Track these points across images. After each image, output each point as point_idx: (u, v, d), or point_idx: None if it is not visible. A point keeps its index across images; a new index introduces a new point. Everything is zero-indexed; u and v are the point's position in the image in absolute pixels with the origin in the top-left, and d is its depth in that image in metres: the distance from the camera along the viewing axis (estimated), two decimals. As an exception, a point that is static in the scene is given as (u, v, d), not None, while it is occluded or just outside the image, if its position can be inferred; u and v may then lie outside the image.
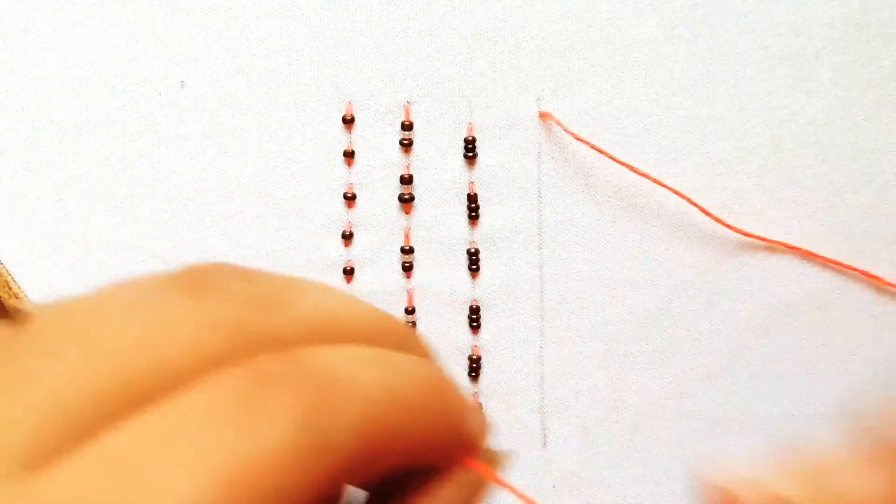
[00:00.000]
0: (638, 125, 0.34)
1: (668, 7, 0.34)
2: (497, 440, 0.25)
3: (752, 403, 0.35)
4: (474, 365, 0.35)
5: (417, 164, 0.35)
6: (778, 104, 0.34)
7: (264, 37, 0.35)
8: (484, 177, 0.35)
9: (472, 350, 0.35)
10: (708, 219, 0.35)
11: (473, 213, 0.35)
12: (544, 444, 0.35)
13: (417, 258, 0.35)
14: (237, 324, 0.19)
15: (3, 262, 0.35)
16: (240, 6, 0.35)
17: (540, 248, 0.35)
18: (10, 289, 0.35)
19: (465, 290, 0.35)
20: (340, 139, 0.35)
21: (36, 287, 0.35)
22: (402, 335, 0.22)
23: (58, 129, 0.35)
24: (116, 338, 0.18)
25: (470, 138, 0.35)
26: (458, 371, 0.35)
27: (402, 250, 0.35)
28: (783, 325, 0.35)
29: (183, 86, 0.35)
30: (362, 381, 0.19)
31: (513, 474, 0.36)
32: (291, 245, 0.35)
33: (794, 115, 0.34)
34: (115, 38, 0.35)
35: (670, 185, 0.34)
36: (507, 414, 0.35)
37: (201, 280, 0.20)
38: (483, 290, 0.35)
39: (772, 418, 0.35)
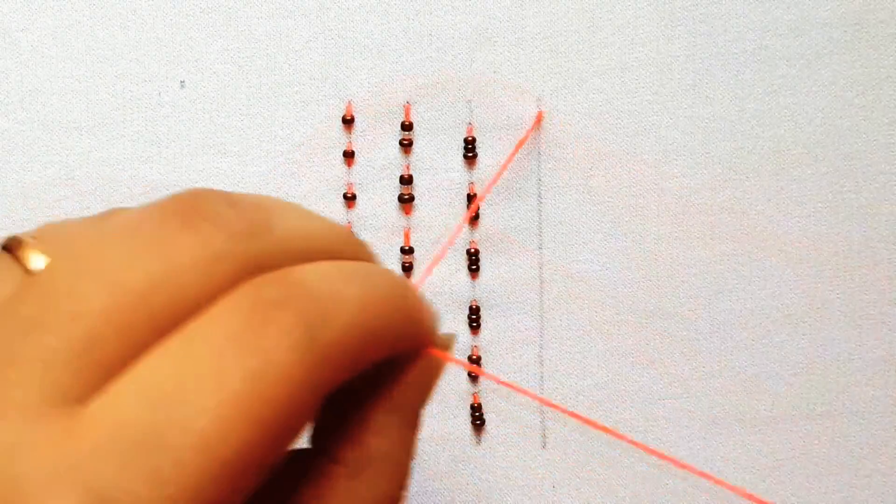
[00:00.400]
0: (638, 125, 0.34)
1: (668, 7, 0.34)
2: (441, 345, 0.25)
3: (752, 403, 0.35)
4: (475, 365, 0.35)
5: (417, 164, 0.35)
6: (778, 104, 0.34)
7: (264, 37, 0.35)
8: (484, 177, 0.35)
9: (472, 350, 0.35)
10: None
11: (473, 214, 0.35)
12: (544, 445, 0.35)
13: (417, 258, 0.35)
14: (232, 251, 0.21)
15: (2, 262, 0.35)
16: (240, 6, 0.35)
17: (540, 248, 0.35)
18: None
19: (464, 290, 0.35)
20: (340, 139, 0.35)
21: (36, 287, 0.35)
22: (358, 246, 0.25)
23: (58, 129, 0.35)
24: (134, 275, 0.20)
25: (470, 138, 0.35)
26: (458, 371, 0.35)
27: (402, 250, 0.35)
28: (783, 325, 0.35)
29: (183, 86, 0.35)
30: (345, 294, 0.21)
31: (513, 474, 0.36)
32: (291, 245, 0.35)
33: (794, 115, 0.34)
34: (114, 38, 0.35)
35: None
36: (507, 414, 0.35)
37: (193, 209, 0.22)
38: (483, 290, 0.35)
39: (771, 419, 0.35)
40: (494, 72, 0.34)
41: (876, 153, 0.35)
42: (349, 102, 0.35)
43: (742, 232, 0.35)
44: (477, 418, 0.35)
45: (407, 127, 0.35)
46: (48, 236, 0.22)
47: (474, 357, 0.35)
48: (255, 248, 0.22)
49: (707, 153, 0.35)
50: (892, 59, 0.34)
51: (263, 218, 0.22)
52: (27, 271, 0.21)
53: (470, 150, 0.35)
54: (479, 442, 0.35)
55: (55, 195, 0.35)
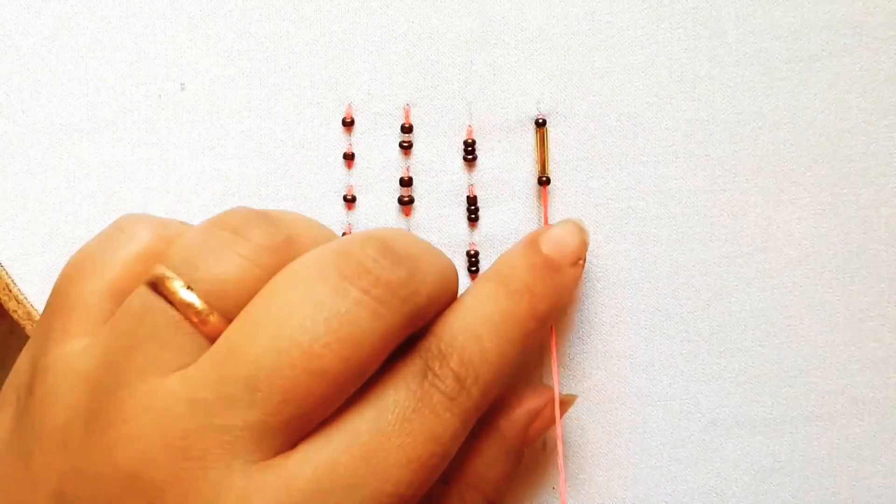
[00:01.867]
0: (637, 127, 0.35)
1: (668, 9, 0.34)
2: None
3: (752, 405, 0.35)
4: (474, 367, 0.35)
5: (417, 166, 0.35)
6: (777, 106, 0.34)
7: (264, 39, 0.35)
8: (484, 179, 0.35)
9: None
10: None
11: (473, 216, 0.35)
12: (544, 445, 0.35)
13: (417, 260, 0.35)
14: (400, 322, 0.25)
15: (3, 263, 0.35)
16: (240, 9, 0.35)
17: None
18: (10, 291, 0.35)
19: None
20: (340, 141, 0.35)
21: (36, 288, 0.35)
22: (454, 271, 0.29)
23: (58, 131, 0.35)
24: (326, 356, 0.24)
25: (469, 140, 0.35)
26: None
27: (402, 252, 0.35)
28: (783, 326, 0.35)
29: (183, 88, 0.35)
30: (488, 347, 0.27)
31: (514, 474, 0.36)
32: (291, 247, 0.35)
33: (794, 117, 0.35)
34: (114, 40, 0.35)
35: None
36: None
37: (360, 267, 0.25)
38: (483, 292, 0.35)
39: (771, 420, 0.35)
40: (494, 74, 0.35)
41: (876, 155, 0.35)
42: (349, 105, 0.35)
43: (742, 233, 0.35)
44: (477, 420, 0.35)
45: (407, 129, 0.35)
46: (190, 273, 0.25)
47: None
48: (415, 309, 0.26)
49: (707, 155, 0.35)
50: (892, 61, 0.34)
51: (419, 273, 0.26)
52: (198, 328, 0.25)
53: (470, 152, 0.35)
54: (479, 444, 0.35)
55: (55, 198, 0.35)
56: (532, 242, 0.31)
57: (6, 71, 0.35)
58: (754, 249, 0.35)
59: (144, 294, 0.26)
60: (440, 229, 0.35)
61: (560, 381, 0.35)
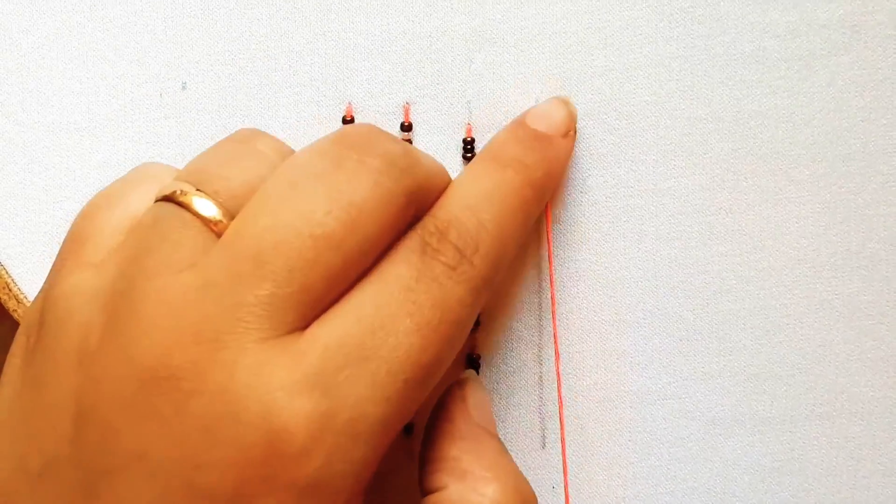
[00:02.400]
0: (636, 125, 0.35)
1: (666, 8, 0.34)
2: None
3: (751, 404, 0.35)
4: (474, 364, 0.35)
5: (417, 165, 0.35)
6: (776, 105, 0.35)
7: (265, 38, 0.35)
8: (483, 178, 0.35)
9: (472, 350, 0.35)
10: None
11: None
12: (544, 445, 0.35)
13: (417, 259, 0.35)
14: (400, 188, 0.25)
15: (2, 262, 0.35)
16: (240, 8, 0.35)
17: (540, 248, 0.35)
18: (11, 290, 0.35)
19: (464, 290, 0.35)
20: (340, 140, 0.35)
21: (36, 287, 0.35)
22: (444, 169, 0.29)
23: (58, 130, 0.35)
24: (329, 224, 0.24)
25: (469, 139, 0.35)
26: (458, 371, 0.35)
27: (402, 251, 0.35)
28: (783, 325, 0.35)
29: (184, 87, 0.35)
30: (485, 217, 0.27)
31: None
32: (291, 245, 0.35)
33: (793, 115, 0.35)
34: (115, 39, 0.35)
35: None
36: (507, 414, 0.35)
37: (367, 143, 0.26)
38: (482, 290, 0.35)
39: (771, 419, 0.35)
40: (493, 73, 0.35)
41: (874, 154, 0.35)
42: (349, 103, 0.35)
43: (741, 232, 0.35)
44: (476, 419, 0.35)
45: (406, 127, 0.35)
46: (207, 183, 0.26)
47: (475, 356, 0.35)
48: (415, 182, 0.26)
49: (705, 154, 0.35)
50: (891, 60, 0.34)
51: (415, 150, 0.27)
52: (210, 229, 0.25)
53: (469, 150, 0.35)
54: (478, 443, 0.35)
55: (56, 197, 0.35)
56: (518, 121, 0.31)
57: (6, 70, 0.35)
58: (753, 248, 0.35)
59: (158, 206, 0.26)
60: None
61: (561, 381, 0.35)
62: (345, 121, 0.35)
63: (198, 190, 0.26)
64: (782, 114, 0.35)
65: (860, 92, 0.35)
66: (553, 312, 0.34)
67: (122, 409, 0.23)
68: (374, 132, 0.27)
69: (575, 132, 0.31)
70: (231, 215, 0.25)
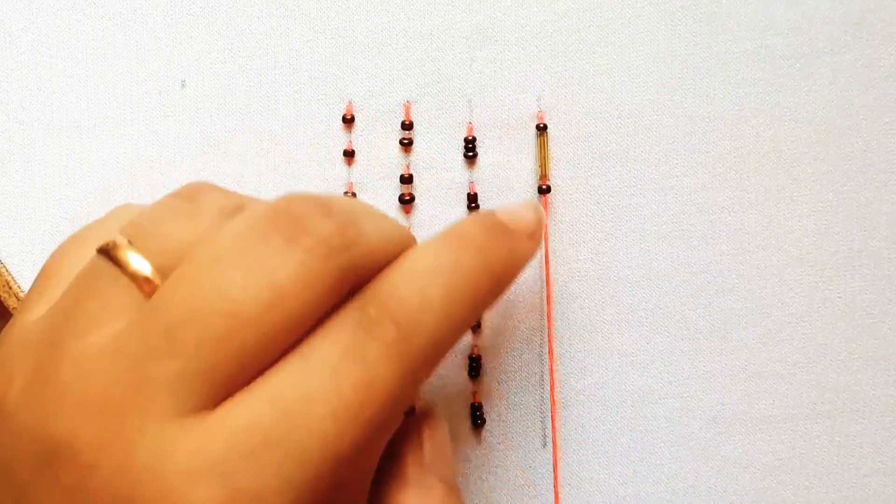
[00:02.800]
0: (638, 124, 0.34)
1: (668, 6, 0.34)
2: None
3: (752, 403, 0.35)
4: (474, 364, 0.35)
5: (417, 163, 0.35)
6: (778, 103, 0.34)
7: (264, 36, 0.35)
8: (484, 176, 0.35)
9: (472, 350, 0.35)
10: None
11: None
12: (544, 445, 0.35)
13: (418, 258, 0.35)
14: (332, 267, 0.24)
15: (3, 262, 0.35)
16: (240, 6, 0.35)
17: (540, 247, 0.35)
18: (11, 288, 0.35)
19: (465, 289, 0.35)
20: (340, 139, 0.35)
21: (36, 287, 0.35)
22: (409, 238, 0.28)
23: (58, 128, 0.35)
24: (248, 302, 0.23)
25: (470, 138, 0.35)
26: (458, 371, 0.35)
27: (403, 250, 0.35)
28: (783, 325, 0.35)
29: (183, 86, 0.35)
30: (431, 295, 0.25)
31: (513, 474, 0.36)
32: (291, 244, 0.35)
33: (795, 114, 0.34)
34: (115, 37, 0.35)
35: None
36: (507, 414, 0.35)
37: (294, 222, 0.24)
38: (483, 289, 0.35)
39: (772, 418, 0.35)
40: (494, 71, 0.34)
41: (876, 153, 0.35)
42: (349, 102, 0.35)
43: (742, 231, 0.35)
44: (477, 418, 0.35)
45: (407, 126, 0.35)
46: (141, 238, 0.25)
47: (475, 356, 0.35)
48: (349, 261, 0.24)
49: (707, 152, 0.35)
50: (893, 58, 0.34)
51: (355, 227, 0.25)
52: (140, 287, 0.24)
53: (470, 149, 0.35)
54: (479, 442, 0.35)
55: (55, 196, 0.35)
56: (487, 212, 0.29)
57: (6, 68, 0.35)
58: (755, 247, 0.35)
59: (95, 259, 0.25)
60: (441, 226, 0.35)
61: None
62: (345, 119, 0.35)
63: (131, 244, 0.25)
64: (784, 112, 0.34)
65: (863, 90, 0.34)
66: (549, 313, 0.34)
67: (32, 471, 0.23)
68: (312, 207, 0.25)
69: (541, 238, 0.29)
70: (165, 275, 0.25)
